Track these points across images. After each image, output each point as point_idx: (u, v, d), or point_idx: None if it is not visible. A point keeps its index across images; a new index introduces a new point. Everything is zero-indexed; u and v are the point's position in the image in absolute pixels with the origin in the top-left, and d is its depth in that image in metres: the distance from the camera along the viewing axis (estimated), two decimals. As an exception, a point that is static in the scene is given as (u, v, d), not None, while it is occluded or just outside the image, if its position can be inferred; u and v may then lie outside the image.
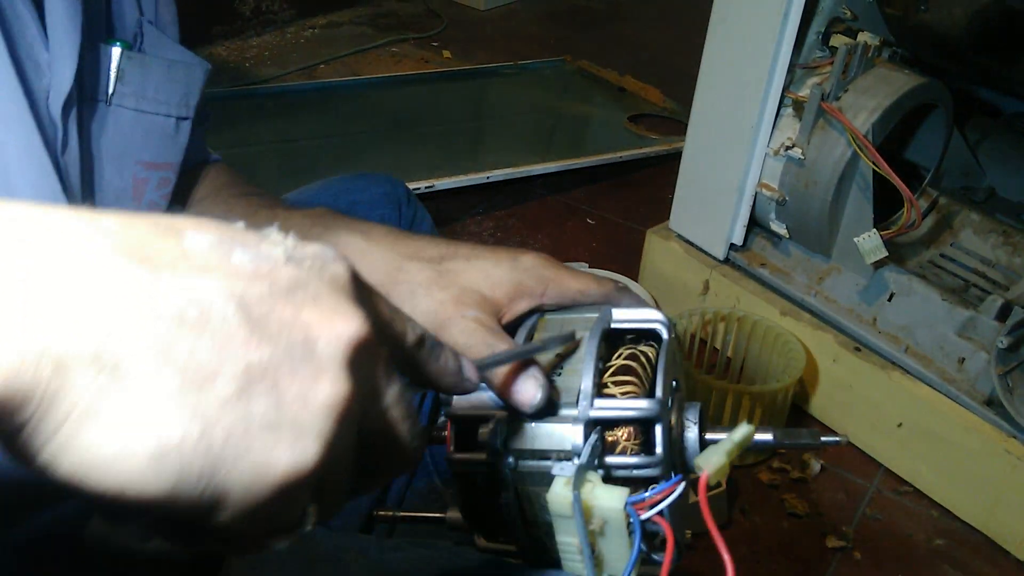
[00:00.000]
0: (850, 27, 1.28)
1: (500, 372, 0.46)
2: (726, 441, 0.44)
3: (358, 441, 0.31)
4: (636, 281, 1.58)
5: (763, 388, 1.23)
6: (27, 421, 0.24)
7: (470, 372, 0.40)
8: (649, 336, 0.52)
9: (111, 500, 0.25)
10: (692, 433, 0.48)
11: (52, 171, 0.52)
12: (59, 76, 0.52)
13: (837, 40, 1.26)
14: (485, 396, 0.49)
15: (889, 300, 1.27)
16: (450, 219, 1.78)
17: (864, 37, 1.25)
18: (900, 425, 1.24)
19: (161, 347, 0.25)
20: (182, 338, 0.26)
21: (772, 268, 1.40)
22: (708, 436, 0.49)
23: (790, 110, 1.30)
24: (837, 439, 0.46)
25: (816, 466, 1.28)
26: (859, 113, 1.21)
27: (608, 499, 0.43)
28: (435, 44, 2.62)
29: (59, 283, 0.25)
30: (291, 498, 0.28)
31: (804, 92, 1.27)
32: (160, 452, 0.25)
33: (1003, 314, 1.15)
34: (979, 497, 1.19)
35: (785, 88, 1.28)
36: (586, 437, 0.45)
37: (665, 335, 0.50)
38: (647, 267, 1.56)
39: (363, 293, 0.32)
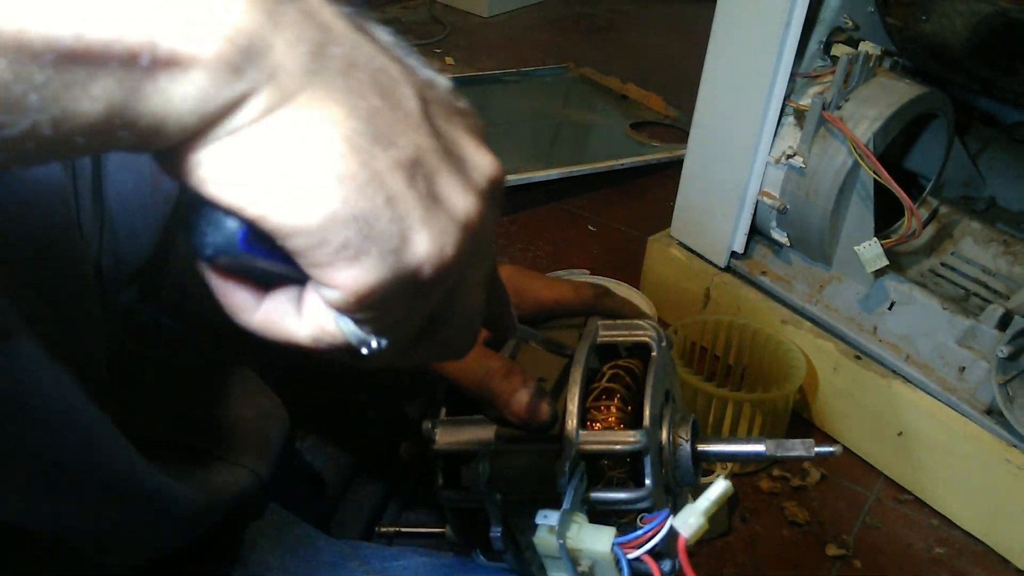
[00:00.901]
0: (851, 37, 1.29)
1: (506, 387, 0.46)
2: (703, 500, 0.43)
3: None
4: (638, 288, 1.58)
5: (763, 396, 1.23)
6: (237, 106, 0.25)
7: (514, 319, 0.41)
8: (640, 347, 0.52)
9: (256, 220, 0.26)
10: (685, 450, 0.48)
11: None
12: None
13: (839, 50, 1.27)
14: (467, 428, 0.49)
15: (890, 309, 1.27)
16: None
17: (865, 47, 1.26)
18: (900, 434, 1.24)
19: (355, 97, 0.27)
20: (373, 98, 0.27)
21: (773, 276, 1.41)
22: (701, 448, 0.48)
23: (791, 119, 1.30)
24: (831, 450, 0.46)
25: (816, 474, 1.28)
26: (860, 122, 1.22)
27: (594, 542, 0.43)
28: (438, 51, 2.63)
29: None
30: (414, 290, 0.28)
31: (805, 101, 1.27)
32: (325, 181, 0.26)
33: (1004, 323, 1.15)
34: (980, 506, 1.19)
35: (786, 97, 1.28)
36: (571, 475, 0.45)
37: (654, 350, 0.50)
38: (648, 275, 1.57)
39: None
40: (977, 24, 1.20)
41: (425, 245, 0.27)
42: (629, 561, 0.43)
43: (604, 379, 0.50)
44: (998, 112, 1.46)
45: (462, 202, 0.29)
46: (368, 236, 0.26)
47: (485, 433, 0.49)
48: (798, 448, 0.47)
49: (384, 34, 0.32)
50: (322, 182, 0.25)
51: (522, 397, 0.47)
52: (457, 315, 0.33)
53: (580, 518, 0.44)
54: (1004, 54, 1.22)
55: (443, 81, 0.32)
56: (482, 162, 0.31)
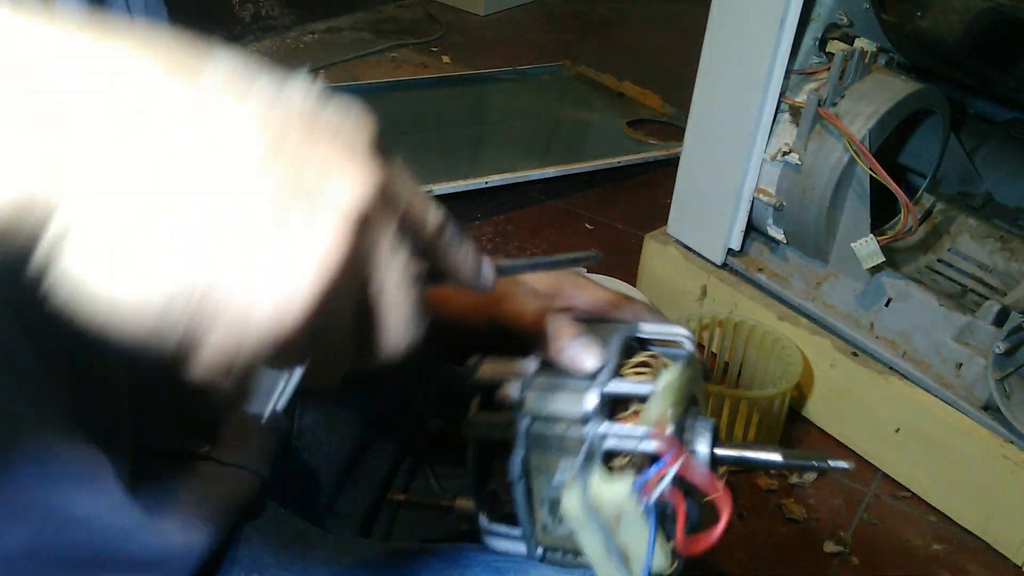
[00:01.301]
0: (847, 33, 1.29)
1: (563, 332, 0.47)
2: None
3: (356, 306, 0.30)
4: (634, 285, 1.58)
5: (760, 393, 1.23)
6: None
7: (488, 270, 0.38)
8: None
9: (99, 331, 0.25)
10: (703, 453, 0.49)
11: None
12: None
13: (834, 46, 1.27)
14: (510, 364, 0.51)
15: (886, 305, 1.27)
16: (449, 224, 1.78)
17: (861, 43, 1.25)
18: (898, 430, 1.24)
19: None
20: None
21: (769, 273, 1.41)
22: (718, 452, 0.49)
23: (787, 116, 1.30)
24: (844, 465, 0.46)
25: (813, 472, 1.28)
26: (856, 119, 1.22)
27: (612, 492, 0.44)
28: (434, 49, 2.63)
29: None
30: (277, 345, 0.27)
31: (801, 98, 1.27)
32: (149, 276, 0.25)
33: (1000, 319, 1.15)
34: (977, 502, 1.19)
35: (782, 94, 1.28)
36: (599, 409, 0.46)
37: (688, 345, 0.52)
38: (645, 272, 1.56)
39: (384, 156, 0.30)
40: (972, 20, 1.20)
41: (273, 296, 0.26)
42: (653, 504, 0.44)
43: (637, 359, 0.52)
44: (992, 109, 1.46)
45: (313, 236, 0.26)
46: (213, 306, 0.25)
47: (528, 368, 0.50)
48: (813, 458, 0.47)
49: (226, 59, 0.28)
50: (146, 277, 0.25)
51: (575, 342, 0.48)
52: (375, 318, 0.31)
53: (600, 473, 0.45)
54: (999, 50, 1.22)
55: (301, 85, 0.29)
56: (346, 176, 0.28)
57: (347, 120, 0.29)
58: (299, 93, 0.29)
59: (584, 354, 0.48)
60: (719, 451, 0.49)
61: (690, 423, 0.49)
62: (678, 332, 0.53)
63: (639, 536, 0.45)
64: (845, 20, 1.28)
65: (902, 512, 1.24)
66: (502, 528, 0.53)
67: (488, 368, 0.51)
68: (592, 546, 0.45)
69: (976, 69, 1.30)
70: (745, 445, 0.49)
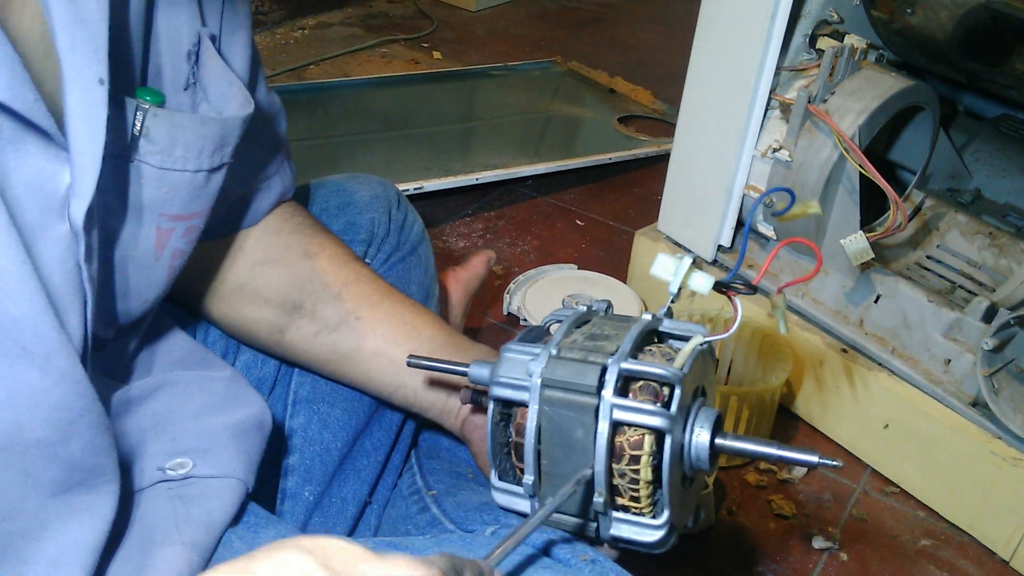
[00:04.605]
0: (837, 30, 1.29)
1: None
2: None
3: None
4: (624, 282, 1.58)
5: (750, 390, 1.23)
6: None
7: None
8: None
9: None
10: (704, 440, 0.53)
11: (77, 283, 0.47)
12: (80, 182, 0.45)
13: (824, 43, 1.27)
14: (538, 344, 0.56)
15: (875, 302, 1.27)
16: (439, 220, 1.78)
17: (851, 40, 1.26)
18: (886, 426, 1.25)
19: None
20: None
21: (759, 270, 1.41)
22: (718, 442, 0.53)
23: (777, 112, 1.30)
24: (835, 463, 0.50)
25: (802, 468, 1.29)
26: (846, 115, 1.22)
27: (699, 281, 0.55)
28: (425, 45, 2.62)
29: None
30: None
31: (791, 94, 1.27)
32: None
33: (989, 316, 1.16)
34: (965, 498, 1.19)
35: (772, 90, 1.28)
36: (616, 381, 0.51)
37: (699, 340, 0.56)
38: (635, 268, 1.57)
39: None
40: (962, 17, 1.20)
41: None
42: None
43: (648, 349, 0.56)
44: (984, 108, 1.46)
45: None
46: None
47: (552, 339, 0.55)
48: (807, 455, 0.51)
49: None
50: None
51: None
52: None
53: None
54: (989, 47, 1.22)
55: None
56: None
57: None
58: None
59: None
60: (719, 441, 0.53)
61: (695, 410, 0.53)
62: (695, 328, 0.57)
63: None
64: (835, 17, 1.28)
65: (890, 508, 1.24)
66: (507, 485, 0.56)
67: (517, 340, 0.57)
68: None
69: (966, 65, 1.30)
70: (744, 438, 0.54)
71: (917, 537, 1.20)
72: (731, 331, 0.56)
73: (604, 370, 0.50)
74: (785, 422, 1.36)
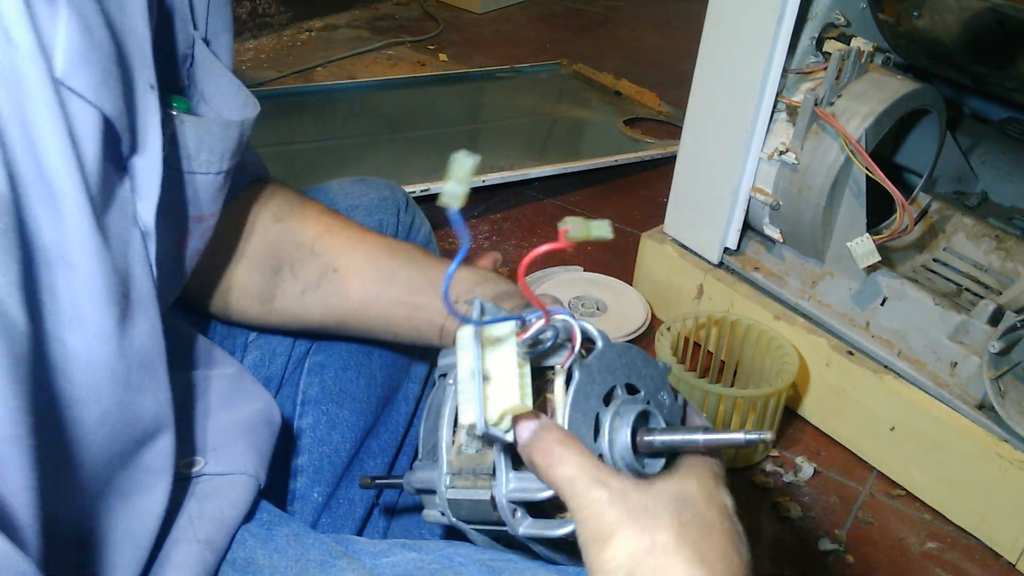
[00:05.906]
0: (843, 33, 1.29)
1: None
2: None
3: None
4: (631, 284, 1.59)
5: (756, 392, 1.23)
6: None
7: None
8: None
9: None
10: (623, 437, 0.50)
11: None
12: (144, 185, 0.48)
13: (831, 46, 1.27)
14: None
15: (882, 304, 1.28)
16: (445, 223, 1.78)
17: (857, 43, 1.26)
18: (893, 429, 1.25)
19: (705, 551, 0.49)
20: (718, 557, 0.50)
21: (766, 272, 1.41)
22: (646, 439, 0.50)
23: (784, 115, 1.31)
24: (761, 436, 0.48)
25: (809, 469, 1.29)
26: (852, 118, 1.22)
27: (499, 328, 0.49)
28: (431, 47, 2.62)
29: None
30: None
31: (798, 97, 1.27)
32: None
33: (995, 319, 1.16)
34: (971, 501, 1.19)
35: (779, 93, 1.28)
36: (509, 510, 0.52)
37: (598, 341, 0.53)
38: (642, 271, 1.57)
39: None
40: (968, 20, 1.20)
41: None
42: (524, 342, 0.49)
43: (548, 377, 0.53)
44: (990, 111, 1.46)
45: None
46: None
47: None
48: (731, 435, 0.50)
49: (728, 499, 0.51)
50: None
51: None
52: None
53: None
54: (995, 50, 1.22)
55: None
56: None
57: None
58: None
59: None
60: (643, 437, 0.50)
61: (621, 408, 0.51)
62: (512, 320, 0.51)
63: (504, 362, 0.48)
64: (842, 19, 1.28)
65: (897, 510, 1.24)
66: (421, 463, 0.58)
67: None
68: (464, 366, 0.48)
69: (972, 68, 1.30)
70: (668, 429, 0.51)
71: (923, 540, 1.20)
72: (569, 360, 0.51)
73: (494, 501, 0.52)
74: (791, 425, 1.36)
